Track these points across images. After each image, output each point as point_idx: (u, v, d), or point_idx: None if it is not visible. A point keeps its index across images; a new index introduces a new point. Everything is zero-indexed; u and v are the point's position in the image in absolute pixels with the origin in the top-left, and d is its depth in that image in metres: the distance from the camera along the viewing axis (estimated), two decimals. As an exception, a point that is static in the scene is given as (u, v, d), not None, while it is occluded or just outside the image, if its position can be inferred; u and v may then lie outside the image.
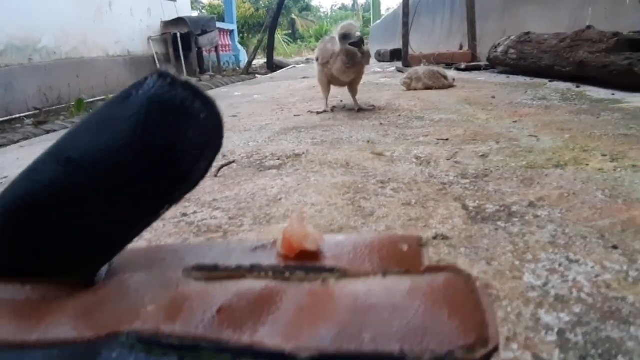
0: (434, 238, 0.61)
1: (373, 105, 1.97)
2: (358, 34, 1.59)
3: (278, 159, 1.14)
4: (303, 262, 0.39)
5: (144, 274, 0.38)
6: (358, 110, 1.87)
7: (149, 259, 0.41)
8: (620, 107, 1.57)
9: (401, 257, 0.40)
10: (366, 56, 1.75)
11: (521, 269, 0.51)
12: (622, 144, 1.06)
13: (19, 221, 0.35)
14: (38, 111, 4.54)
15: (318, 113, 1.88)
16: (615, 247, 0.55)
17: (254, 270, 0.37)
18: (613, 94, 1.89)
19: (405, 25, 4.16)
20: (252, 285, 0.35)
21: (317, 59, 1.85)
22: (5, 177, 1.36)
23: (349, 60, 1.62)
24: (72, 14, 5.54)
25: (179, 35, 7.23)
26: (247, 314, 0.31)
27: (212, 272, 0.37)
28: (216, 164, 1.15)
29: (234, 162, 1.14)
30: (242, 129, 1.70)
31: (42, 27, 5.13)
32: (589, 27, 2.44)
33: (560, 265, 0.52)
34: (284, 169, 1.04)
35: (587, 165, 0.91)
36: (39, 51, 5.12)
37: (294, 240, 0.39)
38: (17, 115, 4.33)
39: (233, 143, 1.41)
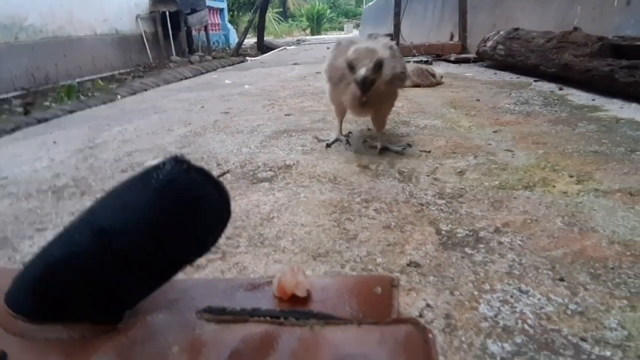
0: (408, 265, 0.69)
1: (409, 145, 1.38)
2: (364, 70, 1.04)
3: (270, 170, 1.21)
4: (295, 306, 0.47)
5: (164, 315, 0.46)
6: (380, 150, 1.31)
7: (165, 299, 0.49)
8: (598, 117, 1.66)
9: (375, 301, 0.49)
10: (397, 82, 1.24)
11: (478, 299, 0.61)
12: (590, 162, 1.15)
13: (60, 278, 0.42)
14: (25, 91, 4.49)
15: (328, 145, 1.40)
16: (562, 280, 0.65)
17: (254, 315, 0.45)
18: (593, 99, 1.98)
19: (397, 15, 4.18)
20: (254, 329, 0.43)
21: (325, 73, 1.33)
22: (5, 178, 1.39)
23: (363, 96, 1.09)
24: (58, -9, 5.40)
25: (167, 13, 7.09)
26: (251, 358, 0.40)
27: (221, 315, 0.45)
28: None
29: (228, 172, 1.21)
30: (234, 130, 1.76)
31: (28, 4, 5.00)
32: (575, 29, 2.50)
33: (512, 296, 0.61)
34: (275, 182, 1.11)
35: (554, 187, 1.00)
36: (25, 29, 5.01)
37: (287, 287, 0.48)
38: (5, 96, 4.27)
39: (226, 148, 1.47)
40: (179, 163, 0.41)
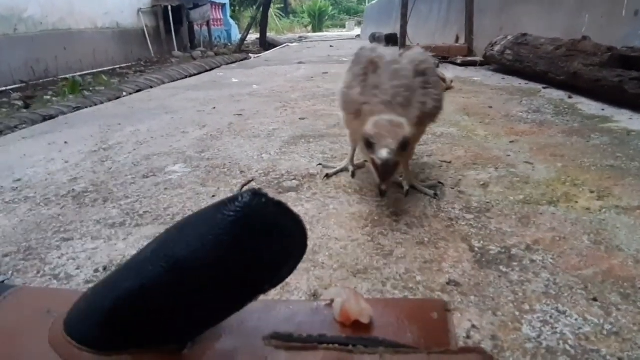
0: (447, 284, 0.71)
1: (441, 183, 1.15)
2: (385, 152, 0.83)
3: (295, 179, 1.22)
4: (358, 331, 0.49)
5: (230, 341, 0.48)
6: (406, 193, 1.09)
7: (227, 323, 0.50)
8: (609, 128, 1.68)
9: (433, 326, 0.50)
10: (426, 121, 1.07)
11: (520, 320, 0.63)
12: (608, 177, 1.17)
13: (132, 310, 0.43)
14: (25, 84, 4.45)
15: (327, 176, 1.21)
16: (595, 300, 0.67)
17: (322, 341, 0.46)
18: (603, 109, 2.00)
19: (404, 17, 4.18)
20: (326, 357, 0.44)
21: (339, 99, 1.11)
22: (19, 180, 1.36)
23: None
24: (59, -18, 5.35)
25: (169, 7, 7.05)
26: (326, 387, 0.41)
27: (289, 342, 0.47)
28: (236, 181, 1.23)
29: (252, 180, 1.22)
30: (251, 134, 1.77)
31: (27, -6, 4.94)
32: (585, 38, 2.53)
33: (551, 317, 0.63)
34: (302, 192, 1.13)
35: (577, 202, 1.02)
36: (24, 21, 4.95)
37: (351, 313, 0.49)
38: (3, 88, 4.24)
39: (247, 154, 1.48)
40: (257, 195, 0.42)
